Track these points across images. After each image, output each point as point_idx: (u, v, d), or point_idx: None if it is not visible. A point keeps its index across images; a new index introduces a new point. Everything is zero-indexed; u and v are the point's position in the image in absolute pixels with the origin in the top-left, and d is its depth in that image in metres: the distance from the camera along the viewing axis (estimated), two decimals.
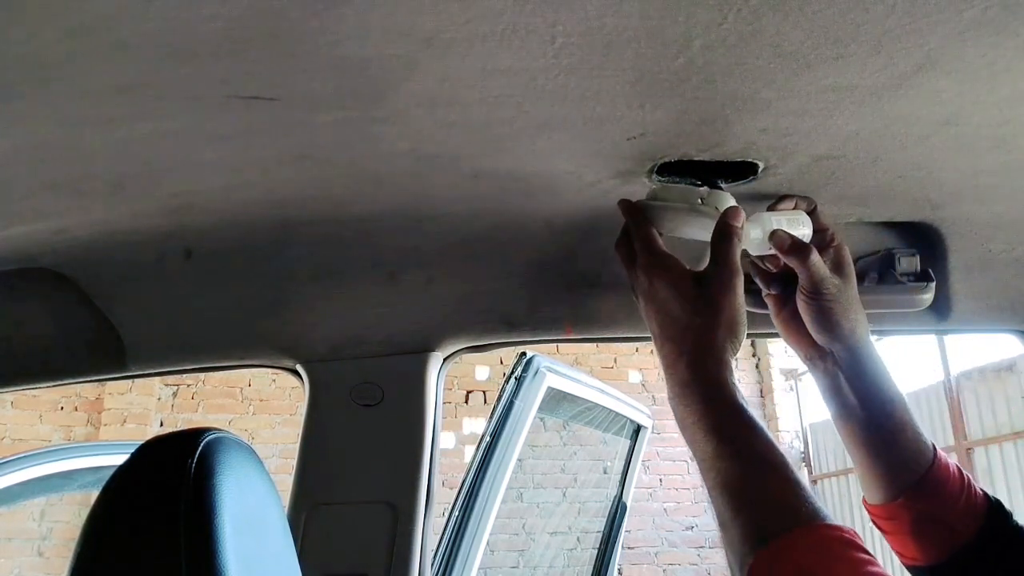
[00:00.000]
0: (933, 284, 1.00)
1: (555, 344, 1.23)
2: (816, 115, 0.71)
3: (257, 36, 0.57)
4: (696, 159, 0.80)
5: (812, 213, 0.87)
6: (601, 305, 1.11)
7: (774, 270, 0.91)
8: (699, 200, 0.84)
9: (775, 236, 0.83)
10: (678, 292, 0.78)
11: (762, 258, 0.90)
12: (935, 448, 0.84)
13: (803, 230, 0.85)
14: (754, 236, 0.83)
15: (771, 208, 0.86)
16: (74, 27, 0.55)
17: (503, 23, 0.57)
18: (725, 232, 0.79)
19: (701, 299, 0.78)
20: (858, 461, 0.87)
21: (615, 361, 7.35)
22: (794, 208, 0.86)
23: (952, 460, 0.84)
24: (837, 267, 0.86)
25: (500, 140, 0.75)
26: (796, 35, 0.59)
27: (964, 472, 0.84)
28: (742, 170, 0.83)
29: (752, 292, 0.94)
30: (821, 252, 0.85)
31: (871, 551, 0.60)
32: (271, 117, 0.69)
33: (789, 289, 0.88)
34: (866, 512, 0.88)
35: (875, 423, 0.85)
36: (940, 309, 1.04)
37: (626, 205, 0.85)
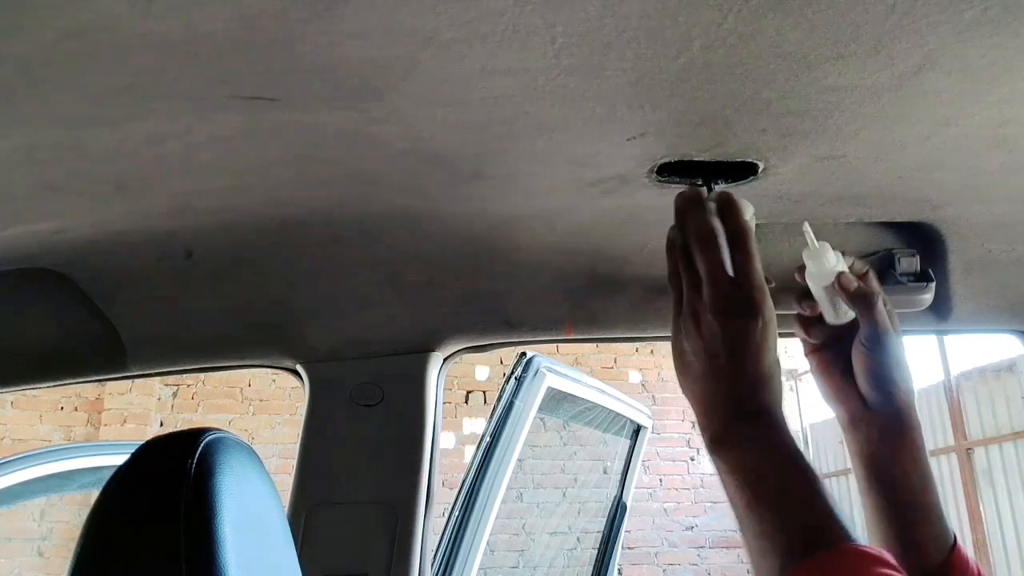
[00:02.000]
0: (933, 284, 1.00)
1: (555, 344, 1.23)
2: (816, 115, 0.71)
3: (258, 36, 0.57)
4: (696, 159, 0.80)
5: (865, 276, 0.82)
6: (601, 305, 1.11)
7: (809, 313, 0.84)
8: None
9: (843, 278, 0.78)
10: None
11: (801, 303, 0.84)
12: (955, 537, 0.80)
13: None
14: (828, 265, 0.78)
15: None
16: (74, 28, 0.55)
17: (503, 23, 0.57)
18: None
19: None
20: (874, 533, 0.82)
21: (615, 361, 7.35)
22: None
23: (969, 552, 0.80)
24: (892, 322, 0.81)
25: (500, 140, 0.75)
26: (796, 35, 0.59)
27: (979, 567, 0.80)
28: (742, 170, 0.82)
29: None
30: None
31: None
32: (271, 117, 0.69)
33: (833, 339, 0.83)
34: None
35: (904, 500, 0.80)
36: (940, 309, 1.04)
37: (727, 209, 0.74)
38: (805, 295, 0.84)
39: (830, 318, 0.83)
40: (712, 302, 0.71)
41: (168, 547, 0.60)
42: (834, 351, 0.84)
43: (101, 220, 0.89)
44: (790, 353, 7.46)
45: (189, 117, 0.68)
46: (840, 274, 0.79)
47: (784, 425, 0.69)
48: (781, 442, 0.68)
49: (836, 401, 0.84)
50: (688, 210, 0.74)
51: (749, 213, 0.76)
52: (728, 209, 0.74)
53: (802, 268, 0.82)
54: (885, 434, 0.81)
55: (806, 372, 7.49)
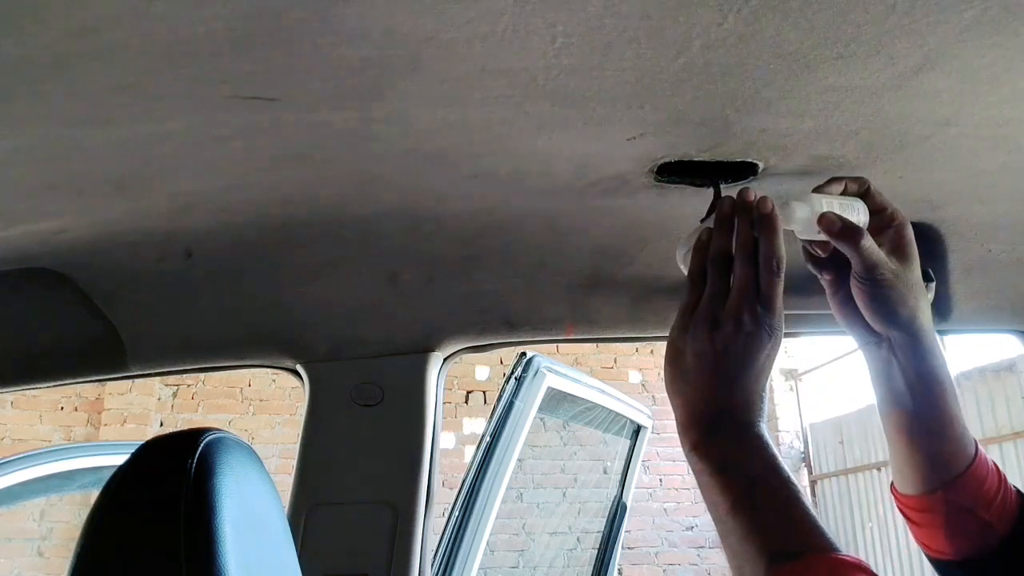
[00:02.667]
0: (933, 284, 1.00)
1: (555, 344, 1.23)
2: (816, 115, 0.71)
3: (257, 36, 0.57)
4: (696, 159, 0.80)
5: (867, 195, 0.80)
6: (601, 305, 1.11)
7: (823, 255, 0.84)
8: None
9: (824, 219, 0.77)
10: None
11: (811, 243, 0.84)
12: (976, 443, 0.81)
13: (858, 216, 0.79)
14: (801, 216, 0.77)
15: (819, 190, 0.79)
16: (74, 28, 0.55)
17: (503, 23, 0.57)
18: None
19: None
20: (899, 450, 0.83)
21: (615, 361, 7.35)
22: (843, 192, 0.80)
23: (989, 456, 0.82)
24: (896, 250, 0.79)
25: (500, 140, 0.75)
26: (796, 35, 0.59)
27: (999, 468, 0.81)
28: (742, 170, 0.82)
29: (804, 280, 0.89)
30: (880, 234, 0.79)
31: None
32: (271, 117, 0.69)
33: (844, 271, 0.82)
34: (895, 501, 0.86)
35: (925, 414, 0.81)
36: (940, 309, 1.04)
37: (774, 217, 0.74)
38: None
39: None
40: (737, 313, 0.72)
41: (168, 547, 0.60)
42: (838, 280, 0.84)
43: (101, 220, 0.89)
44: (790, 353, 7.47)
45: (189, 117, 0.68)
46: (822, 216, 0.77)
47: (768, 440, 0.71)
48: (768, 453, 0.70)
49: (849, 327, 0.84)
50: (737, 216, 0.74)
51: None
52: (767, 226, 0.73)
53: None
54: (897, 354, 0.81)
55: (806, 372, 7.50)
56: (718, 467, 0.70)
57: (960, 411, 0.81)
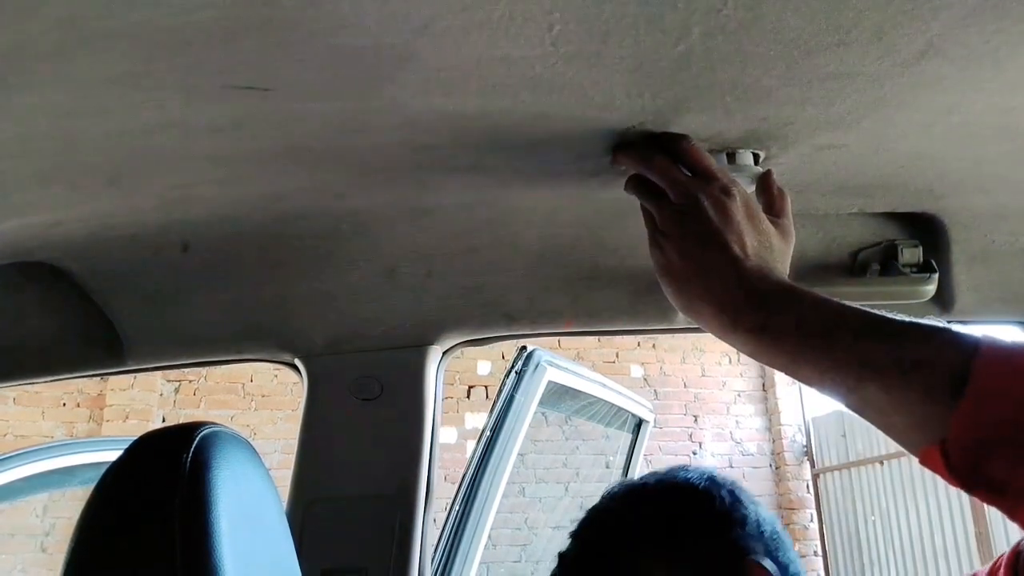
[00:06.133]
0: (936, 275, 0.99)
1: (557, 339, 1.23)
2: (817, 103, 0.71)
3: (251, 25, 0.56)
4: None
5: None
6: (602, 298, 1.10)
7: None
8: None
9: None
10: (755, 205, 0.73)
11: None
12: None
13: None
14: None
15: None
16: (65, 17, 0.54)
17: (499, 11, 0.56)
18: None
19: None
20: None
21: (617, 355, 7.34)
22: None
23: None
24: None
25: (498, 130, 0.75)
26: (796, 22, 0.58)
27: None
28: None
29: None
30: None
31: None
32: (266, 108, 0.68)
33: None
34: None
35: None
36: (943, 300, 1.03)
37: (666, 139, 0.75)
38: None
39: None
40: (684, 199, 0.71)
41: (163, 542, 0.59)
42: None
43: (96, 213, 0.88)
44: None
45: (183, 108, 0.67)
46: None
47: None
48: (808, 292, 0.65)
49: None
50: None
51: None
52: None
53: None
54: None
55: None
56: (795, 326, 0.63)
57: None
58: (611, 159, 0.79)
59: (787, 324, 0.64)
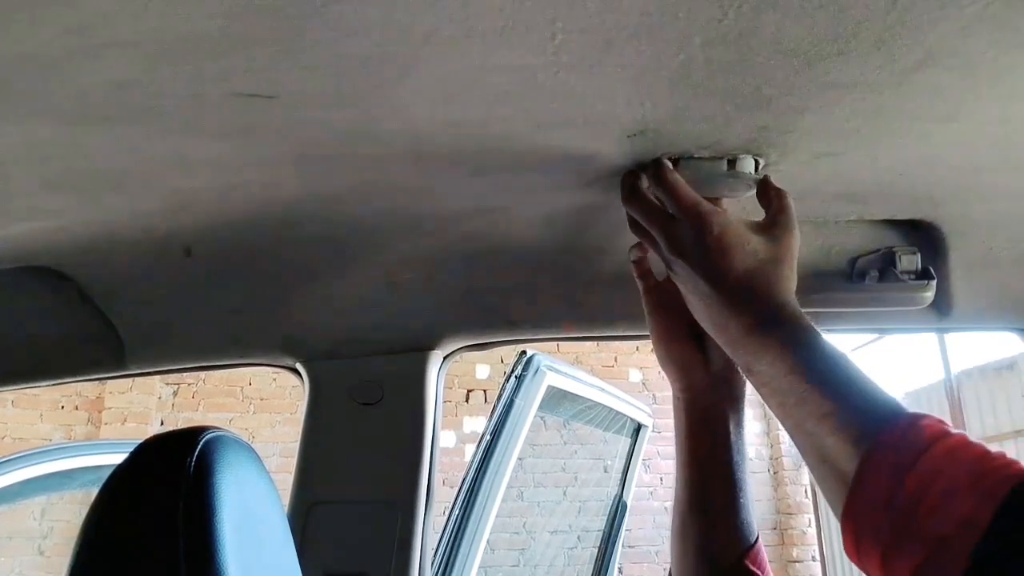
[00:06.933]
0: (934, 282, 0.99)
1: (556, 343, 1.23)
2: (817, 112, 0.71)
3: (256, 33, 0.57)
4: (696, 156, 0.80)
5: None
6: (602, 303, 1.10)
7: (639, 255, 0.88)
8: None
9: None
10: (746, 229, 0.76)
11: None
12: (758, 537, 0.82)
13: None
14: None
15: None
16: (72, 24, 0.55)
17: (502, 20, 0.57)
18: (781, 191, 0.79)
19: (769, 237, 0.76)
20: (681, 512, 0.84)
21: (616, 360, 7.35)
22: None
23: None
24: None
25: (499, 138, 0.75)
26: (796, 31, 0.59)
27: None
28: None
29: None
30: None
31: None
32: (270, 115, 0.69)
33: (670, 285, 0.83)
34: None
35: (716, 475, 0.82)
36: (941, 307, 1.03)
37: (651, 170, 0.78)
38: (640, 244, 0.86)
39: (659, 269, 0.85)
40: (675, 230, 0.76)
41: (167, 546, 0.60)
42: (671, 295, 0.84)
43: (100, 218, 0.89)
44: None
45: (188, 114, 0.68)
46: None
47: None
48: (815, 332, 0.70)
49: (669, 357, 0.88)
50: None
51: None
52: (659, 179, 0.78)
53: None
54: (714, 399, 0.84)
55: None
56: (781, 348, 0.69)
57: (749, 492, 0.83)
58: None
59: (759, 379, 0.71)
